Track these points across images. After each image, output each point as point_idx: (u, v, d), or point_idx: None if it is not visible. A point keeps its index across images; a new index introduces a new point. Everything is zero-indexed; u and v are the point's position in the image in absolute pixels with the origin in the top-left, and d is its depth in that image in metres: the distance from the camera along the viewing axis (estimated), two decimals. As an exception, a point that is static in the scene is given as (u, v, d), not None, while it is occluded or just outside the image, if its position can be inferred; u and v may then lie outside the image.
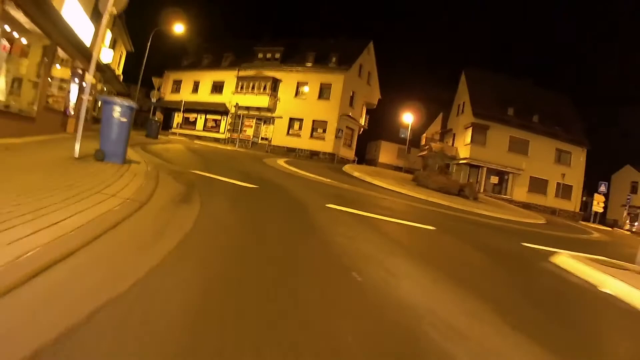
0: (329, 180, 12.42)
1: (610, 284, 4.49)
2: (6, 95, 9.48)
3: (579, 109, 38.90)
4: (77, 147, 6.63)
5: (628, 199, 38.93)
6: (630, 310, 3.84)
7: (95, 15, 14.65)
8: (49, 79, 11.82)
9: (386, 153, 48.73)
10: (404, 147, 42.55)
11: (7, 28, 9.10)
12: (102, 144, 6.66)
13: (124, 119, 6.67)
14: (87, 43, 13.77)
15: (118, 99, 6.87)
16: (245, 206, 5.60)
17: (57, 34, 11.17)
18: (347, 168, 19.86)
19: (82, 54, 13.74)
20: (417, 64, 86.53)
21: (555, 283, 4.61)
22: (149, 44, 26.31)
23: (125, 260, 2.45)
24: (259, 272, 2.75)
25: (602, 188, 31.21)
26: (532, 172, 34.38)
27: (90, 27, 14.14)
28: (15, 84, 10.10)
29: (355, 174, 16.85)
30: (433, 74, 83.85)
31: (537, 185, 34.85)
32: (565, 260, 5.49)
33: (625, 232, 33.68)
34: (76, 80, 14.70)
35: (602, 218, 40.81)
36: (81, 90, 14.89)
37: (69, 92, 14.20)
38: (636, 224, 38.73)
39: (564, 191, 34.74)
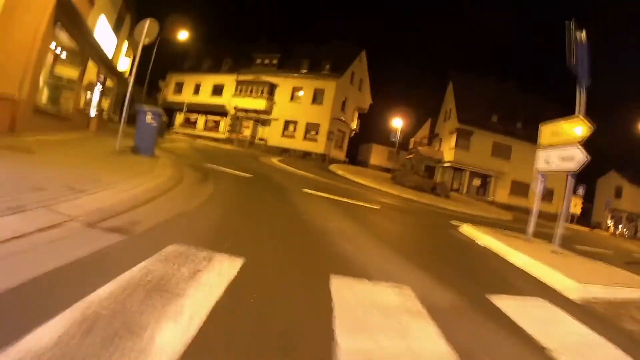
0: (313, 175, 14.70)
1: (483, 238, 6.78)
2: (52, 100, 11.76)
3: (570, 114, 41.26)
4: (117, 143, 8.89)
5: (607, 202, 41.28)
6: (483, 250, 6.09)
7: (117, 27, 16.97)
8: (81, 85, 14.08)
9: (377, 155, 51.11)
10: (394, 150, 44.94)
11: (53, 44, 11.35)
12: (137, 142, 8.91)
13: (154, 123, 8.92)
14: (109, 53, 16.06)
15: (149, 107, 9.13)
16: (243, 186, 7.86)
17: (89, 48, 13.43)
18: (332, 167, 22.21)
19: (105, 63, 16.04)
20: (409, 71, 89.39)
21: (444, 236, 6.89)
22: (154, 50, 28.53)
23: (185, 201, 4.74)
24: (250, 209, 5.03)
25: (580, 191, 33.35)
26: (514, 176, 36.71)
27: (113, 40, 16.38)
28: (56, 90, 12.35)
29: (339, 172, 19.18)
30: (424, 82, 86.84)
31: (519, 188, 37.09)
32: (466, 228, 7.78)
33: (604, 233, 35.83)
34: (99, 84, 16.93)
35: (587, 220, 43.36)
36: (102, 93, 17.18)
37: (92, 95, 16.44)
38: (620, 226, 41.07)
39: (546, 194, 37.02)
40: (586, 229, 33.72)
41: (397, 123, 41.85)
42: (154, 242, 2.79)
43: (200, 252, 2.71)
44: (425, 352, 1.96)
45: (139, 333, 1.59)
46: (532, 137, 36.92)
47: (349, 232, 4.91)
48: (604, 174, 50.28)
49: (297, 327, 1.96)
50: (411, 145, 43.81)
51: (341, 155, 38.50)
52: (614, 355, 2.49)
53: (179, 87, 45.11)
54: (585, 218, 41.89)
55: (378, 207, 8.71)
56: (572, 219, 34.19)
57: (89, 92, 16.07)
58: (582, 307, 3.70)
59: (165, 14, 42.10)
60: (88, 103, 16.25)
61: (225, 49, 43.61)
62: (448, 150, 37.41)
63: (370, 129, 50.02)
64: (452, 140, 36.67)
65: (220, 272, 2.42)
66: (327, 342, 1.84)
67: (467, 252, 5.82)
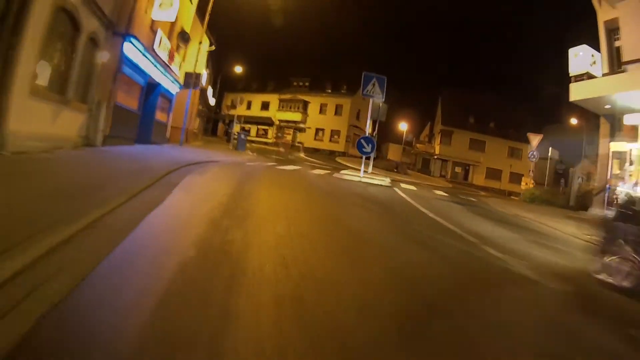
0: (320, 161, 27.76)
1: (348, 174, 19.61)
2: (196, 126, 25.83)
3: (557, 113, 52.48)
4: (230, 146, 22.58)
5: (561, 183, 51.23)
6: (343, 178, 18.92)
7: (209, 81, 31.01)
8: (200, 118, 28.14)
9: (393, 152, 62.94)
10: (406, 147, 57.26)
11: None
12: (238, 145, 22.53)
13: (244, 137, 22.52)
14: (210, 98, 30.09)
15: (243, 131, 22.77)
16: (283, 160, 21.10)
17: (203, 100, 27.39)
18: (337, 158, 35.17)
19: (206, 104, 30.08)
20: (415, 84, 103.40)
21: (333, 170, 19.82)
22: (218, 84, 42.54)
23: (263, 160, 18.23)
24: (282, 162, 18.41)
25: (531, 173, 44.06)
26: (488, 164, 47.74)
27: (211, 92, 30.41)
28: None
29: (338, 160, 32.10)
30: (426, 93, 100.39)
31: (493, 173, 48.06)
32: (345, 172, 20.54)
33: None
34: (199, 116, 31.00)
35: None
36: (202, 119, 31.35)
37: (200, 121, 30.54)
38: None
39: (516, 178, 47.86)
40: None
41: (403, 127, 54.13)
42: (258, 162, 16.11)
43: (266, 161, 16.01)
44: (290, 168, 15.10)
45: (262, 160, 14.86)
46: (503, 134, 48.60)
47: (308, 166, 18.02)
48: (578, 163, 59.19)
49: (279, 161, 15.17)
50: (413, 143, 55.87)
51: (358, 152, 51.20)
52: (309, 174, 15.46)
53: (233, 104, 59.55)
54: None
55: (329, 169, 21.73)
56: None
57: (199, 120, 30.09)
58: (331, 173, 16.56)
59: (225, 50, 56.74)
60: (198, 126, 30.27)
61: (269, 73, 57.59)
62: (437, 146, 49.24)
63: (387, 132, 62.49)
64: (439, 138, 48.50)
65: (273, 163, 15.70)
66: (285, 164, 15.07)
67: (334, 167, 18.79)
